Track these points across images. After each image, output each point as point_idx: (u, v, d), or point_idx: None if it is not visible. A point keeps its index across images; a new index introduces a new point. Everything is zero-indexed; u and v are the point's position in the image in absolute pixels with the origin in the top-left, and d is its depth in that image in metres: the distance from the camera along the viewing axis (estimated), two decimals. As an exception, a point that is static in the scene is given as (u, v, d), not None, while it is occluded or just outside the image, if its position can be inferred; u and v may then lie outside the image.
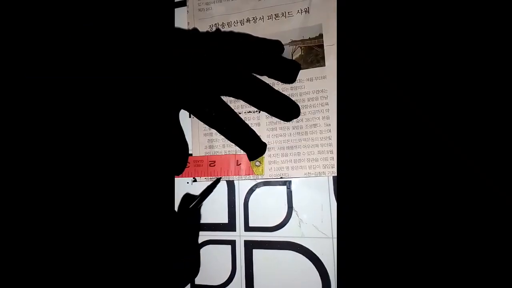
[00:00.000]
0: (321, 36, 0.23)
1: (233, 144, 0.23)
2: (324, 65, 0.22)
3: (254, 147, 0.22)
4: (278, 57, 0.22)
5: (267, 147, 0.23)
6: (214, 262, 0.22)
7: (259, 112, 0.23)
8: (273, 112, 0.22)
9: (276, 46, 0.23)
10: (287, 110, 0.22)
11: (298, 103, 0.22)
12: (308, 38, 0.23)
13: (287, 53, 0.23)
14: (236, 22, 0.25)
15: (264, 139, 0.23)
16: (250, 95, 0.22)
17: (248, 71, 0.22)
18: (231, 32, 0.23)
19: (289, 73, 0.22)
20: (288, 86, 0.23)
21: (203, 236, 0.22)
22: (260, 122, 0.23)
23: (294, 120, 0.22)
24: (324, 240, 0.20)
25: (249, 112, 0.23)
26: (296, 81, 0.23)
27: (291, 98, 0.22)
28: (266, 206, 0.22)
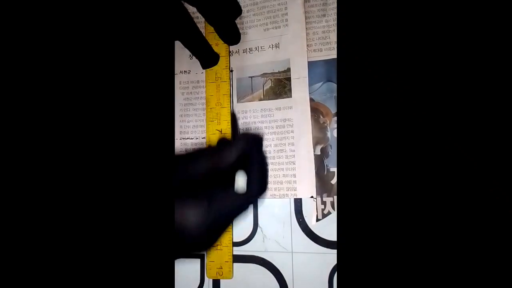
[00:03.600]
0: (288, 70, 0.25)
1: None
2: (290, 96, 0.25)
3: (207, 56, 0.24)
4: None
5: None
6: (184, 274, 0.24)
7: (233, 137, 0.25)
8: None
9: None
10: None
11: (267, 130, 0.25)
12: (277, 71, 0.26)
13: (259, 84, 0.26)
14: (214, 54, 0.27)
15: (236, 161, 0.25)
16: None
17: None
18: None
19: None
20: (259, 113, 0.25)
21: (177, 249, 0.25)
22: (233, 145, 0.26)
23: (264, 145, 0.25)
24: (284, 254, 0.23)
25: (224, 136, 0.26)
26: (266, 110, 0.25)
27: (262, 124, 0.25)
28: (234, 223, 0.24)
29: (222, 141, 0.21)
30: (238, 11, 0.24)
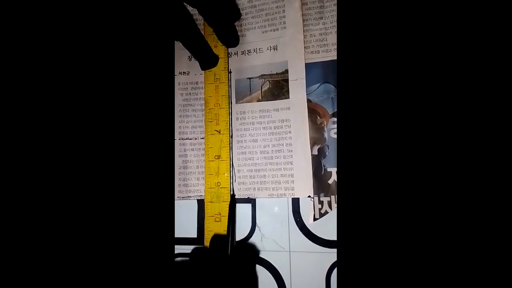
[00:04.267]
0: (286, 71, 0.26)
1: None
2: (288, 97, 0.25)
3: (207, 57, 0.25)
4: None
5: (237, 169, 0.25)
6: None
7: (232, 137, 0.26)
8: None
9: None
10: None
11: (265, 130, 0.25)
12: (275, 73, 0.26)
13: (257, 85, 0.26)
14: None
15: (235, 161, 0.25)
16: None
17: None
18: None
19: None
20: (257, 114, 0.26)
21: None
22: (231, 146, 0.26)
23: (262, 145, 0.25)
24: (282, 253, 0.23)
25: (222, 136, 0.26)
26: (264, 111, 0.26)
27: (260, 124, 0.25)
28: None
29: (216, 240, 0.21)
30: (237, 14, 0.25)
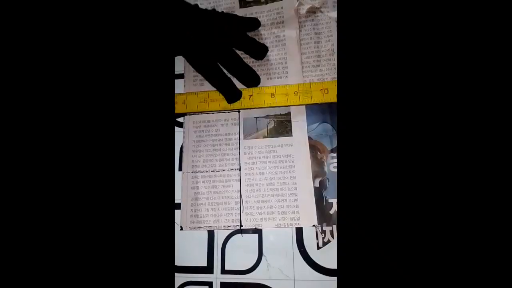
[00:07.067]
0: (289, 113, 0.29)
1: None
2: (291, 135, 0.28)
3: (232, 94, 0.29)
4: (251, 39, 0.30)
5: (245, 200, 0.27)
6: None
7: (239, 170, 0.28)
8: (239, 77, 0.30)
9: (252, 23, 0.31)
10: (250, 78, 0.30)
11: (271, 164, 0.28)
12: (279, 114, 0.29)
13: (263, 124, 0.29)
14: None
15: (243, 193, 0.27)
16: (227, 62, 0.29)
17: (229, 46, 0.29)
18: (222, 13, 0.31)
19: (257, 52, 0.30)
20: (263, 149, 0.28)
21: (184, 277, 0.26)
22: (240, 178, 0.28)
23: (268, 177, 0.27)
24: (287, 282, 0.24)
25: (231, 170, 0.28)
26: (270, 146, 0.28)
27: (266, 159, 0.28)
28: (240, 251, 0.26)
29: None
30: (257, 81, 0.30)
